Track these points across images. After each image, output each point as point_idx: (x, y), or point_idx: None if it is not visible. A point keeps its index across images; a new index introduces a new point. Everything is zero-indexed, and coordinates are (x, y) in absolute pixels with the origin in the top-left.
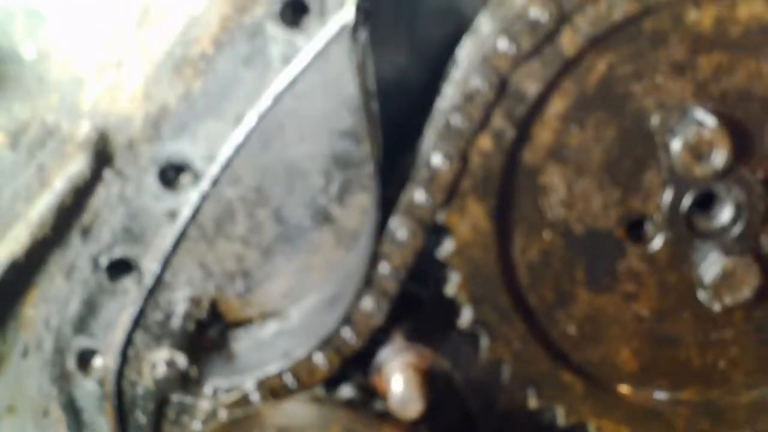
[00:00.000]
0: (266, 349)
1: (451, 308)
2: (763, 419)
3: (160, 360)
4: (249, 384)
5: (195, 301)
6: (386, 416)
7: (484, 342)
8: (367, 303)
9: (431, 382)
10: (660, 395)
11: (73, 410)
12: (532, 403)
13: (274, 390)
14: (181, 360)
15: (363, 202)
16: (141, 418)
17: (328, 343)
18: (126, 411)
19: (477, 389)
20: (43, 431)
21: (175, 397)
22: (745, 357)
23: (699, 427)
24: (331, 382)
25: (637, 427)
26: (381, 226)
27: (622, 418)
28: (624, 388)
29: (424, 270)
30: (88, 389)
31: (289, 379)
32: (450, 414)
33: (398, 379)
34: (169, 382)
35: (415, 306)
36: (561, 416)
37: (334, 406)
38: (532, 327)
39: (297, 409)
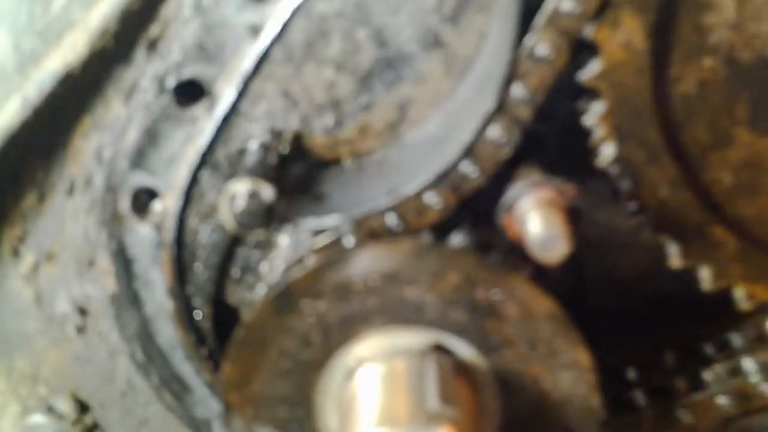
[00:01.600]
0: (362, 188)
1: (574, 157)
2: None
3: (241, 191)
4: (344, 226)
5: (275, 134)
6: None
7: (625, 185)
8: (495, 131)
9: (575, 221)
10: None
11: (123, 260)
12: (675, 262)
13: (373, 232)
14: (267, 191)
15: (479, 24)
16: (202, 273)
17: (444, 179)
18: (185, 263)
19: (595, 254)
20: (86, 283)
21: (242, 252)
22: None
23: None
24: (440, 230)
25: None
26: (518, 41)
27: None
28: None
29: (549, 108)
30: (142, 236)
31: (392, 221)
32: (561, 282)
33: (536, 217)
34: (251, 218)
35: (538, 149)
36: (706, 279)
37: (451, 251)
38: (682, 171)
39: (406, 253)
